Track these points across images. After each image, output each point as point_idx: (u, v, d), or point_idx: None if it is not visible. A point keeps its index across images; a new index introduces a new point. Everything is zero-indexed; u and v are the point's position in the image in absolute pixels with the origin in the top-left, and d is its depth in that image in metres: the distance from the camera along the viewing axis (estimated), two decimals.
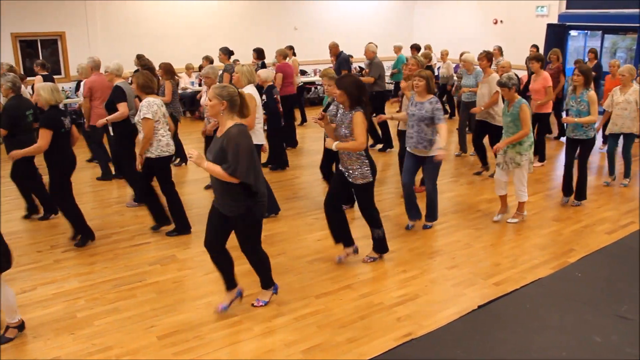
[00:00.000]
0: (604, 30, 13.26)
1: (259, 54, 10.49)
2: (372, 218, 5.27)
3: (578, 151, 6.85)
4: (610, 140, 7.89)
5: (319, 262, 5.49)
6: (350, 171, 4.96)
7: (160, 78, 8.42)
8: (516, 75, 6.28)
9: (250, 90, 5.99)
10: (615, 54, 14.21)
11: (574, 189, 6.99)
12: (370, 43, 9.52)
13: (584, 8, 13.23)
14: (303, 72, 14.77)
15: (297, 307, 4.62)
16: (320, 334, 4.24)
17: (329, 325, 4.36)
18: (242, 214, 4.09)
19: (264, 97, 7.67)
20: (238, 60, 11.85)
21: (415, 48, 12.18)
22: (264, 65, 10.36)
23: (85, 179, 8.37)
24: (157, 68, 9.06)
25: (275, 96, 7.98)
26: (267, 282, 4.60)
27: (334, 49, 10.41)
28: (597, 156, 9.46)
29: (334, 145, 4.84)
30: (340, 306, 4.64)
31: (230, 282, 4.50)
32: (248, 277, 4.76)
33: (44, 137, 5.37)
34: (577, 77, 6.58)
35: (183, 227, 6.13)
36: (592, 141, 6.73)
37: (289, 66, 10.03)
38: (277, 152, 8.61)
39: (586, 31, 14.27)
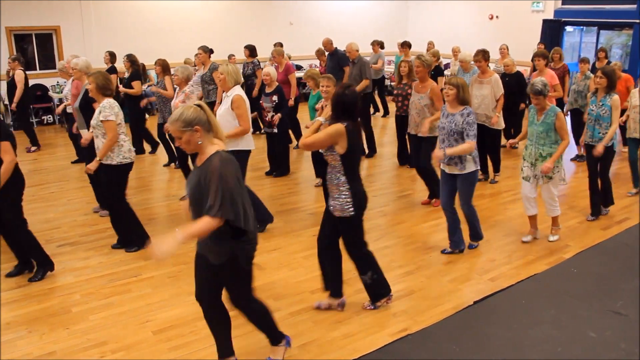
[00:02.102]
0: (599, 26, 13.27)
1: (252, 51, 10.12)
2: (359, 260, 4.39)
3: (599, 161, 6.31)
4: (630, 145, 7.20)
5: (314, 257, 5.42)
6: (332, 198, 4.17)
7: (157, 75, 8.32)
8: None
9: (238, 91, 5.66)
10: (610, 49, 14.23)
11: (590, 204, 6.49)
12: (352, 42, 8.89)
13: (579, 4, 13.26)
14: (299, 68, 14.74)
15: (292, 303, 4.62)
16: (315, 329, 4.24)
17: (324, 320, 4.36)
18: (225, 261, 3.31)
19: (274, 97, 7.39)
20: (234, 56, 11.83)
21: (407, 46, 11.25)
22: (257, 63, 10.18)
23: (74, 175, 8.35)
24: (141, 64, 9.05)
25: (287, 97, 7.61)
26: (274, 336, 3.81)
27: (329, 46, 10.00)
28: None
29: (320, 118, 4.25)
30: None
31: (225, 349, 3.75)
32: None
33: (10, 150, 4.66)
34: (600, 80, 6.04)
35: (134, 241, 5.64)
36: (611, 149, 6.18)
37: (292, 66, 9.81)
38: (285, 158, 8.21)
39: (582, 27, 14.28)
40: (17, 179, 4.80)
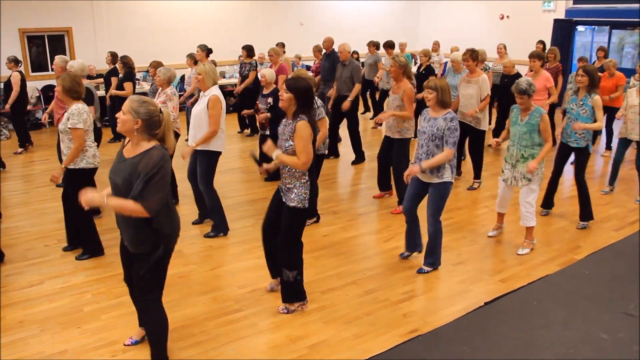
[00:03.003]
0: (611, 25, 13.17)
1: (249, 51, 10.10)
2: (289, 255, 4.34)
3: (574, 163, 6.29)
4: (619, 145, 7.24)
5: (325, 258, 5.49)
6: (287, 189, 4.21)
7: (152, 77, 8.32)
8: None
9: (215, 92, 5.60)
10: (622, 49, 14.13)
11: (579, 209, 6.30)
12: (344, 43, 8.66)
13: (591, 3, 13.16)
14: (308, 68, 14.75)
15: None
16: (325, 329, 4.24)
17: (334, 321, 4.36)
18: (144, 251, 3.40)
19: (270, 100, 7.28)
20: (241, 57, 11.82)
21: (390, 46, 11.05)
22: (254, 64, 10.16)
23: None
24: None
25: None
26: (157, 356, 3.69)
27: (327, 44, 9.70)
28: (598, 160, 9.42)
29: (274, 154, 4.12)
30: (346, 302, 4.64)
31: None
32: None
33: None
34: (581, 78, 5.93)
35: (95, 250, 5.57)
36: (586, 150, 6.09)
37: (285, 67, 9.64)
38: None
39: (593, 26, 14.18)
40: None
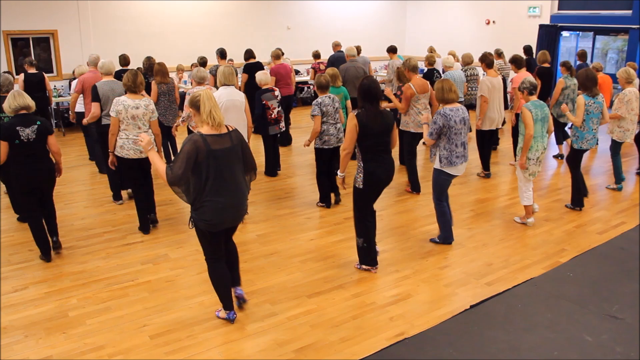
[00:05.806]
0: (595, 31, 13.35)
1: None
2: (356, 224, 5.21)
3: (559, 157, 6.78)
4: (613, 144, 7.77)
5: (311, 261, 5.50)
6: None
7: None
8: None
9: (216, 91, 6.23)
10: (606, 55, 14.30)
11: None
12: (351, 46, 9.14)
13: (575, 9, 13.33)
14: (296, 72, 14.77)
15: (289, 307, 4.62)
16: (312, 333, 4.25)
17: (321, 324, 4.36)
18: (191, 224, 4.12)
19: (276, 92, 7.78)
20: (232, 60, 11.85)
21: (392, 51, 11.44)
22: (256, 66, 10.25)
23: (80, 177, 8.35)
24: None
25: (265, 102, 7.55)
26: (223, 303, 4.37)
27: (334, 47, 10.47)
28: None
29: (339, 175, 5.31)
30: (332, 306, 4.65)
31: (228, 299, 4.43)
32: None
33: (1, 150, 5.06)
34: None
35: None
36: (571, 148, 6.75)
37: (285, 66, 9.88)
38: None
39: (578, 32, 14.35)
40: (19, 174, 5.23)
